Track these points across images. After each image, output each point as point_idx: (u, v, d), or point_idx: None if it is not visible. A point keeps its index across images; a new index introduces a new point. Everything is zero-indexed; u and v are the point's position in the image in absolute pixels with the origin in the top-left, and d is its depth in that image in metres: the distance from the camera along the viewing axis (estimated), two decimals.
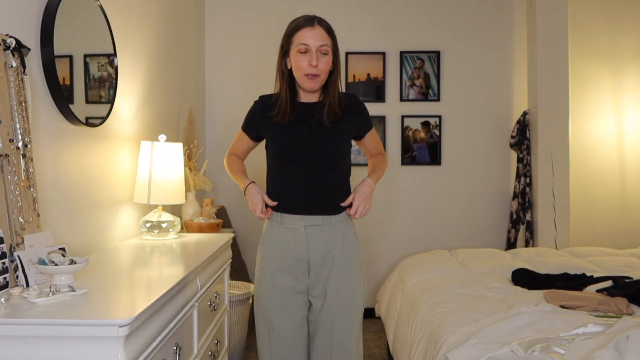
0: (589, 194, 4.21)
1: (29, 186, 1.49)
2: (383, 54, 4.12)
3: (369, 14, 4.14)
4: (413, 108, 4.14)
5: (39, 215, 1.53)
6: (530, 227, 3.99)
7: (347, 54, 4.05)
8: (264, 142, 1.95)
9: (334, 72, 1.81)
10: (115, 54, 2.23)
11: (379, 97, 4.12)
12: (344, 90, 1.88)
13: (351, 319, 1.84)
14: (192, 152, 3.20)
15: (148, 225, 2.35)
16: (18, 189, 1.44)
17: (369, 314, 3.60)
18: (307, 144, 1.79)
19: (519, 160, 4.04)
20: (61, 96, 1.80)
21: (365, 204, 1.82)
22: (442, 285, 2.71)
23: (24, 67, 1.51)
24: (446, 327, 2.11)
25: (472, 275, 2.92)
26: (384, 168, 2.00)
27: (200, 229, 2.80)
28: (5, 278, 1.34)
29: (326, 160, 1.81)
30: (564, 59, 3.92)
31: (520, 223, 4.03)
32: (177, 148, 2.46)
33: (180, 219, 2.73)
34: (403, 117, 4.12)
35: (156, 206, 2.45)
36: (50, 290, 1.30)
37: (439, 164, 4.15)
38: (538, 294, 2.48)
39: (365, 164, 3.81)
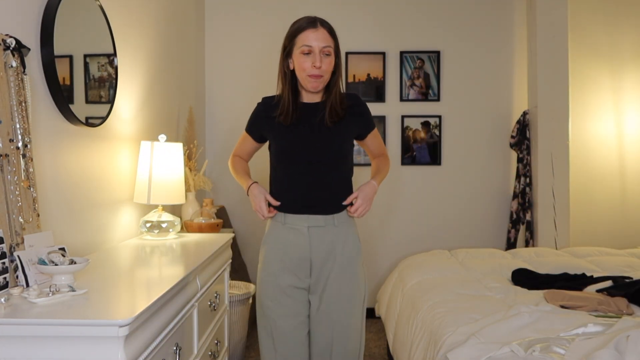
0: (589, 194, 4.21)
1: (29, 186, 1.49)
2: (383, 54, 4.12)
3: (369, 14, 4.14)
4: (413, 108, 4.14)
5: (39, 215, 1.53)
6: (530, 227, 3.99)
7: (347, 54, 4.05)
8: (267, 144, 1.97)
9: (335, 73, 1.83)
10: (115, 54, 2.23)
11: (379, 97, 4.12)
12: (344, 91, 1.89)
13: (353, 317, 1.86)
14: (192, 152, 3.20)
15: (148, 225, 2.35)
16: (18, 189, 1.44)
17: (369, 314, 3.59)
18: (309, 144, 1.81)
19: (519, 160, 4.04)
20: (61, 96, 1.80)
21: (367, 206, 1.84)
22: (442, 285, 2.71)
23: (24, 67, 1.51)
24: (446, 327, 2.11)
25: (472, 275, 2.92)
26: (387, 170, 2.02)
27: (200, 229, 2.80)
28: (5, 278, 1.34)
29: (328, 160, 1.83)
30: (564, 59, 3.92)
31: (520, 223, 4.03)
32: (177, 148, 2.46)
33: (180, 219, 2.74)
34: (403, 117, 4.12)
35: (156, 206, 2.45)
36: (50, 290, 1.30)
37: (439, 164, 4.15)
38: (538, 294, 2.48)
39: (366, 164, 3.82)
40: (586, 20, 4.20)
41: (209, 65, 4.10)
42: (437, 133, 4.13)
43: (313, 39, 1.75)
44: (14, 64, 1.47)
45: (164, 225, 2.34)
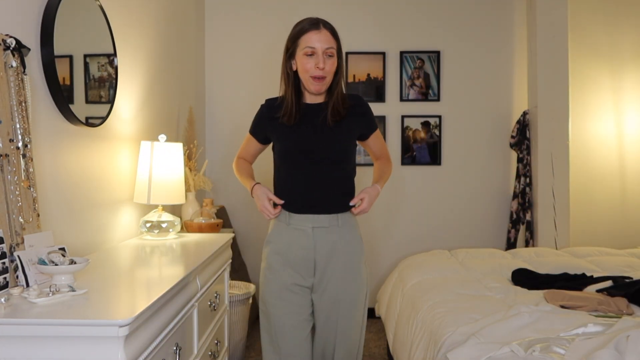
0: (589, 194, 4.21)
1: (29, 186, 1.49)
2: (383, 54, 4.12)
3: (369, 14, 4.14)
4: (413, 108, 4.14)
5: (39, 215, 1.53)
6: (530, 227, 3.99)
7: (347, 54, 4.05)
8: (271, 145, 2.00)
9: (338, 73, 1.85)
10: (115, 54, 2.23)
11: (379, 97, 4.12)
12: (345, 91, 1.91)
13: (355, 316, 1.89)
14: (192, 152, 3.20)
15: (148, 225, 2.35)
16: (18, 189, 1.44)
17: (369, 314, 3.59)
18: (312, 144, 1.83)
19: (519, 160, 4.04)
20: (61, 96, 1.80)
21: (368, 208, 1.88)
22: (442, 285, 2.71)
23: (24, 67, 1.51)
24: (446, 327, 2.11)
25: (472, 275, 2.92)
26: (390, 173, 2.05)
27: (200, 229, 2.80)
28: (5, 278, 1.34)
29: (331, 160, 1.85)
30: (564, 59, 3.92)
31: (520, 223, 4.03)
32: (177, 148, 2.46)
33: (180, 219, 2.74)
34: (403, 117, 4.12)
35: (156, 206, 2.45)
36: (50, 290, 1.30)
37: (439, 164, 4.15)
38: (538, 294, 2.48)
39: (366, 164, 3.82)
40: (586, 20, 4.20)
41: (209, 65, 4.10)
42: (437, 133, 4.13)
43: (316, 40, 1.77)
44: (14, 64, 1.47)
45: (164, 225, 2.35)
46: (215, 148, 4.06)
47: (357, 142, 1.98)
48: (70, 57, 1.92)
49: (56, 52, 1.76)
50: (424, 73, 4.13)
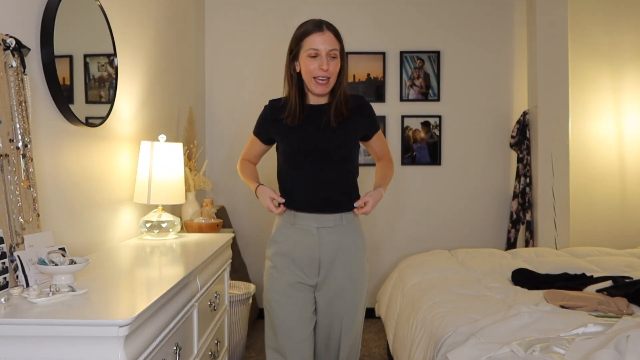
0: (589, 194, 4.21)
1: (29, 186, 1.49)
2: (383, 54, 4.12)
3: (369, 14, 4.14)
4: (413, 108, 4.14)
5: (39, 215, 1.53)
6: (530, 227, 3.99)
7: (347, 54, 4.03)
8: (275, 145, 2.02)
9: (341, 74, 1.87)
10: (115, 54, 2.23)
11: (379, 97, 4.12)
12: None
13: (357, 314, 1.92)
14: (192, 152, 3.20)
15: (148, 225, 2.35)
16: (18, 189, 1.44)
17: (369, 314, 3.60)
18: (316, 145, 1.85)
19: (519, 160, 4.04)
20: (61, 96, 1.80)
21: (370, 211, 1.90)
22: (442, 285, 2.71)
23: (24, 67, 1.51)
24: (446, 327, 2.11)
25: (472, 275, 2.92)
26: (392, 175, 2.08)
27: (200, 229, 2.80)
28: (5, 278, 1.34)
29: (335, 160, 1.87)
30: (564, 59, 3.92)
31: (520, 223, 4.03)
32: (177, 148, 2.46)
33: (180, 219, 2.74)
34: (403, 117, 4.12)
35: (156, 206, 2.45)
36: (50, 290, 1.30)
37: (439, 164, 4.15)
38: (538, 294, 2.48)
39: (368, 164, 3.82)
40: (586, 20, 4.20)
41: (209, 65, 4.10)
42: (437, 133, 4.13)
43: (320, 42, 1.78)
44: (14, 64, 1.47)
45: (164, 225, 2.35)
46: (215, 148, 4.06)
47: (360, 143, 1.99)
48: (70, 57, 1.92)
49: (56, 52, 1.76)
50: (424, 73, 4.13)
